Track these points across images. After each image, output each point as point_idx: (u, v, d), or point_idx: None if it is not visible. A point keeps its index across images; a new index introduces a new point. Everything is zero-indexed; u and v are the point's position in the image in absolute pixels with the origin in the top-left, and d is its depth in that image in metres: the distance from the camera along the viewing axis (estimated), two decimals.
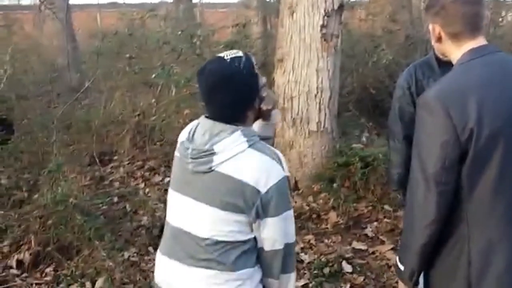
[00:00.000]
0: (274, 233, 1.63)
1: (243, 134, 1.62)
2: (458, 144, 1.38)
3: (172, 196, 1.79)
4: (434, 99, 1.43)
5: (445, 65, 2.66)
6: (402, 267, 1.58)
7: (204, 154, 1.61)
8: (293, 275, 1.76)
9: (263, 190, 1.58)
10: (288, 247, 1.68)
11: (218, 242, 1.62)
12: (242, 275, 1.64)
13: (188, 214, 1.68)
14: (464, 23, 1.49)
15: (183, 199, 1.71)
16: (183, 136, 1.74)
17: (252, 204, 1.58)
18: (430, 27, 1.57)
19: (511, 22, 7.75)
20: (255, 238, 1.66)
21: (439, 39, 1.56)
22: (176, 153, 1.76)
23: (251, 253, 1.67)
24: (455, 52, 1.54)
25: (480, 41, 1.51)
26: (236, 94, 1.63)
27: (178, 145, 1.75)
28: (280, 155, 1.68)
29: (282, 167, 1.64)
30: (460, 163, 1.40)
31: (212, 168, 1.60)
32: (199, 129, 1.67)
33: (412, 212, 1.50)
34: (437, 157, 1.40)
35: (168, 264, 1.73)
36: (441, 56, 2.60)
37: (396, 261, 1.62)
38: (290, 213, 1.65)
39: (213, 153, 1.60)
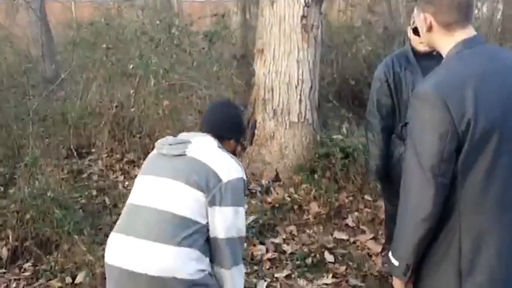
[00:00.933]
0: (225, 221, 1.83)
1: (216, 141, 1.97)
2: (456, 135, 1.37)
3: (140, 180, 1.97)
4: (432, 91, 1.41)
5: (421, 56, 2.70)
6: (396, 263, 1.54)
7: (180, 142, 1.92)
8: (242, 267, 1.96)
9: (224, 179, 1.84)
10: (238, 240, 1.89)
11: (178, 217, 1.77)
12: (189, 252, 1.77)
13: (156, 191, 1.86)
14: (458, 12, 1.49)
15: (152, 179, 1.90)
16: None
17: (212, 187, 1.82)
18: (421, 16, 1.55)
19: (487, 14, 7.87)
20: (207, 228, 1.84)
21: (430, 28, 1.54)
22: (152, 152, 2.04)
23: (200, 237, 1.81)
24: (447, 41, 1.52)
25: (471, 31, 1.51)
26: (231, 122, 2.08)
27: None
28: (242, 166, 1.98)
29: (244, 173, 1.94)
30: (457, 154, 1.39)
31: (185, 153, 1.88)
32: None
33: (407, 205, 1.47)
34: (434, 149, 1.39)
35: (126, 240, 1.80)
36: (423, 48, 2.64)
37: (389, 257, 1.59)
38: (242, 210, 1.90)
39: (188, 143, 1.91)
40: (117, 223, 1.92)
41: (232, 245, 1.86)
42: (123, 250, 1.80)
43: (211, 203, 1.82)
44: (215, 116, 2.09)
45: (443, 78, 1.44)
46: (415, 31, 2.63)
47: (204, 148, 1.91)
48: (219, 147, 1.96)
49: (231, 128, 2.07)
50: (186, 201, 1.81)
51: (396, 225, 1.54)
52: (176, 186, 1.83)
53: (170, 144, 1.92)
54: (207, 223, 1.84)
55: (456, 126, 1.36)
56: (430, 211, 1.41)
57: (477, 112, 1.36)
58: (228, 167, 1.88)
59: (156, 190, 1.86)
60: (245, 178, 1.95)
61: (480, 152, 1.39)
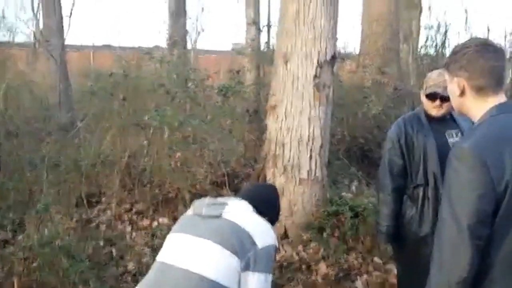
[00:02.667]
0: (257, 286, 1.81)
1: (252, 207, 2.00)
2: (494, 196, 1.37)
3: (173, 237, 1.96)
4: (471, 150, 1.42)
5: (433, 120, 2.75)
6: None
7: (218, 204, 1.96)
8: None
9: (259, 245, 1.84)
10: None
11: (209, 281, 1.74)
12: None
13: (189, 251, 1.84)
14: (490, 77, 1.53)
15: (186, 237, 1.89)
16: None
17: (246, 251, 1.81)
18: (455, 80, 1.58)
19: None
20: None
21: (462, 93, 1.57)
22: (187, 212, 2.07)
23: None
24: (479, 106, 1.55)
25: (503, 97, 1.55)
26: (272, 200, 2.22)
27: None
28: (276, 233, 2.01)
29: (277, 239, 1.99)
30: (493, 217, 1.39)
31: (222, 215, 1.90)
32: None
33: (441, 268, 1.44)
34: (473, 209, 1.38)
35: None
36: (435, 113, 2.69)
37: None
38: (270, 277, 1.89)
39: (225, 205, 1.94)
40: (145, 279, 1.87)
41: None
42: None
43: (245, 267, 1.81)
44: (258, 190, 2.28)
45: (481, 138, 1.45)
46: (428, 96, 2.69)
47: (240, 211, 1.94)
48: (254, 211, 1.98)
49: (271, 207, 2.15)
50: (220, 265, 1.79)
51: (428, 286, 1.50)
52: (211, 247, 1.81)
53: (207, 205, 1.95)
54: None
55: (495, 186, 1.37)
56: (466, 274, 1.39)
57: None
58: (263, 232, 1.90)
59: (189, 250, 1.84)
60: (277, 245, 1.97)
61: None
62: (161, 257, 1.91)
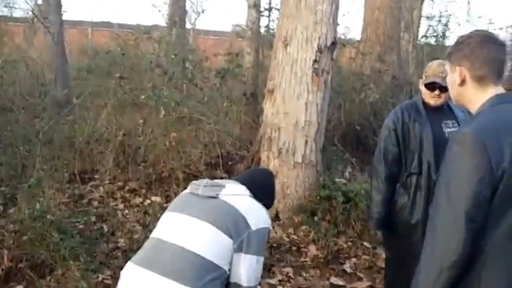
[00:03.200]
0: (249, 269, 1.85)
1: (248, 191, 2.01)
2: (491, 181, 1.39)
3: (169, 215, 1.98)
4: (473, 135, 1.43)
5: (430, 109, 2.74)
6: None
7: (215, 185, 1.98)
8: None
9: (253, 227, 1.87)
10: None
11: (203, 259, 1.77)
12: None
13: (185, 229, 1.87)
14: (492, 68, 1.55)
15: (182, 216, 1.92)
16: None
17: (240, 233, 1.84)
18: (457, 69, 1.60)
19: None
20: (227, 275, 1.84)
21: (463, 82, 1.59)
22: (184, 192, 2.09)
23: (220, 284, 1.81)
24: (478, 96, 1.57)
25: (501, 89, 1.57)
26: (268, 186, 2.23)
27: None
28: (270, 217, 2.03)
29: (270, 223, 2.00)
30: (490, 201, 1.41)
31: (218, 196, 1.92)
32: None
33: (434, 251, 1.46)
34: (471, 193, 1.40)
35: (146, 275, 1.77)
36: (434, 102, 2.68)
37: None
38: (262, 260, 1.93)
39: (223, 187, 1.96)
40: (138, 254, 1.89)
41: None
42: (140, 284, 1.77)
43: (238, 249, 1.84)
44: (255, 175, 2.28)
45: (482, 125, 1.47)
46: (427, 85, 2.68)
47: (237, 194, 1.96)
48: (251, 196, 2.00)
49: (267, 193, 2.16)
50: (213, 245, 1.81)
51: (417, 273, 1.51)
52: (205, 227, 1.83)
53: (205, 186, 1.97)
54: (229, 270, 1.85)
55: (493, 171, 1.39)
56: (458, 257, 1.41)
57: None
58: (257, 215, 1.92)
59: (183, 228, 1.86)
60: (271, 229, 2.00)
61: (510, 203, 1.41)
62: (156, 233, 1.93)
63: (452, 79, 1.64)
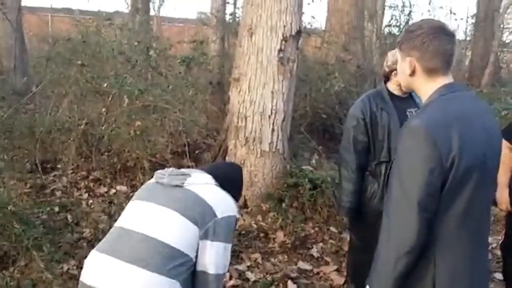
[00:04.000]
0: (216, 257, 1.84)
1: (214, 180, 2.02)
2: (442, 171, 1.43)
3: (133, 204, 1.97)
4: (422, 127, 1.46)
5: (395, 98, 2.80)
6: None
7: (180, 174, 1.97)
8: None
9: (219, 215, 1.87)
10: (222, 276, 1.92)
11: (167, 246, 1.76)
12: (171, 284, 1.74)
13: (149, 217, 1.86)
14: (442, 59, 1.56)
15: (147, 205, 1.91)
16: None
17: (206, 222, 1.83)
18: (407, 59, 1.60)
19: (456, 60, 8.25)
20: (194, 263, 1.84)
21: (413, 73, 1.61)
22: (149, 181, 2.08)
23: (186, 271, 1.81)
24: (428, 86, 1.59)
25: (450, 78, 1.60)
26: (236, 178, 2.23)
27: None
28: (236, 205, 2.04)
29: (238, 211, 2.01)
30: (441, 191, 1.45)
31: (184, 185, 1.92)
32: None
33: (390, 239, 1.50)
34: (423, 184, 1.43)
35: (109, 262, 1.76)
36: (403, 89, 2.72)
37: None
38: (229, 247, 1.92)
39: (188, 175, 1.96)
40: (101, 243, 1.87)
41: (218, 281, 1.88)
42: (104, 272, 1.75)
43: (204, 236, 1.83)
44: (223, 167, 2.35)
45: (432, 116, 1.49)
46: (390, 73, 2.73)
47: (202, 183, 1.96)
48: (216, 185, 2.00)
49: (234, 185, 2.15)
50: (179, 232, 1.80)
51: (375, 259, 1.56)
52: (170, 215, 1.82)
53: (170, 175, 1.96)
54: (195, 257, 1.84)
55: (443, 162, 1.42)
56: (413, 245, 1.45)
57: (461, 151, 1.43)
58: (223, 204, 1.93)
59: (148, 216, 1.85)
60: (237, 217, 1.99)
61: (460, 190, 1.46)
62: (120, 222, 1.91)
63: (402, 67, 1.65)
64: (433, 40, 1.56)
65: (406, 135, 1.51)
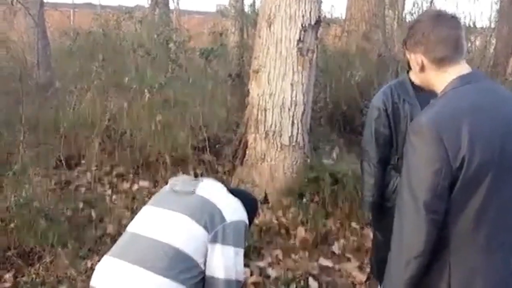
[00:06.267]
0: (225, 261, 1.83)
1: (225, 187, 2.07)
2: (450, 171, 1.37)
3: (146, 210, 2.01)
4: (427, 125, 1.41)
5: (419, 89, 2.70)
6: None
7: (193, 181, 2.03)
8: None
9: (228, 219, 1.88)
10: (235, 283, 1.88)
11: (175, 250, 1.77)
12: None
13: (158, 222, 1.88)
14: (446, 46, 1.50)
15: (157, 210, 1.94)
16: None
17: (215, 225, 1.84)
18: (412, 57, 1.57)
19: (480, 48, 8.02)
20: (203, 270, 1.83)
21: (422, 68, 1.55)
22: (164, 188, 2.12)
23: (194, 276, 1.80)
24: (441, 79, 1.52)
25: (464, 66, 1.52)
26: (250, 199, 2.24)
27: None
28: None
29: (247, 218, 2.00)
30: (450, 191, 1.39)
31: (195, 191, 1.95)
32: None
33: (401, 242, 1.46)
34: (429, 184, 1.38)
35: (118, 264, 1.79)
36: (421, 85, 2.65)
37: None
38: (241, 252, 1.90)
39: (200, 182, 2.01)
40: (112, 248, 1.91)
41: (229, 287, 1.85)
42: (110, 274, 1.78)
43: (213, 240, 1.83)
44: (241, 189, 2.55)
45: (438, 113, 1.43)
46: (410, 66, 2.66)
47: (213, 189, 1.99)
48: (227, 192, 2.03)
49: (247, 202, 2.10)
50: (186, 235, 1.81)
51: (388, 261, 1.53)
52: (179, 218, 1.84)
53: (183, 182, 2.01)
54: (205, 263, 1.83)
55: (451, 161, 1.37)
56: (423, 248, 1.41)
57: (472, 148, 1.36)
58: (234, 209, 1.94)
59: (157, 221, 1.88)
60: (247, 223, 1.99)
61: (473, 190, 1.39)
62: (130, 227, 1.95)
63: (413, 66, 1.60)
64: (433, 29, 1.51)
65: (411, 133, 1.46)
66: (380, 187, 2.78)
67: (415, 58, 1.56)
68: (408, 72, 2.73)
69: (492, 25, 8.11)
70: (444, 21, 1.52)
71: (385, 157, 2.75)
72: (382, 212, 2.82)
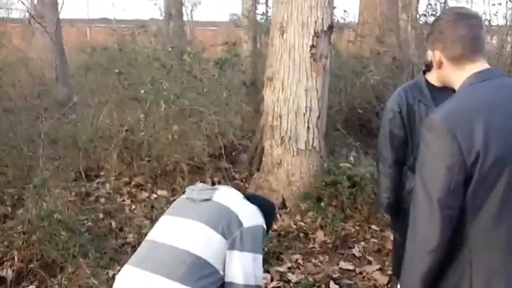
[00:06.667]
0: (244, 267, 1.82)
1: (242, 194, 2.09)
2: (464, 167, 1.36)
3: (163, 219, 2.02)
4: (441, 121, 1.40)
5: (435, 89, 2.67)
6: None
7: (209, 189, 2.03)
8: None
9: (245, 225, 1.87)
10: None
11: (194, 256, 1.77)
12: None
13: (177, 230, 1.89)
14: (463, 45, 1.50)
15: (175, 219, 1.95)
16: None
17: (233, 231, 1.84)
18: (431, 53, 1.58)
19: (496, 46, 7.93)
20: (222, 276, 1.83)
21: (440, 65, 1.56)
22: (181, 197, 2.13)
23: (213, 283, 1.80)
24: (458, 75, 1.53)
25: (483, 64, 1.51)
26: (269, 206, 2.25)
27: None
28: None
29: (266, 223, 2.02)
30: (465, 186, 1.37)
31: (212, 198, 1.96)
32: None
33: (415, 237, 1.45)
34: (442, 180, 1.37)
35: (138, 274, 1.79)
36: (439, 84, 2.62)
37: None
38: (260, 258, 1.90)
39: (216, 189, 2.02)
40: (134, 255, 1.92)
41: None
42: (132, 283, 1.79)
43: (231, 246, 1.83)
44: (258, 196, 2.47)
45: (452, 109, 1.43)
46: (429, 65, 2.62)
47: (230, 196, 2.00)
48: (244, 198, 2.03)
49: (263, 208, 2.09)
50: (204, 242, 1.81)
51: (404, 258, 1.52)
52: (196, 226, 1.85)
53: (200, 190, 2.02)
54: (223, 269, 1.83)
55: (464, 157, 1.35)
56: (437, 243, 1.39)
57: (487, 144, 1.34)
58: (250, 214, 1.94)
59: (175, 229, 1.89)
60: (265, 227, 1.99)
61: (489, 186, 1.37)
62: (150, 236, 1.96)
63: (433, 62, 1.61)
64: (451, 27, 1.51)
65: (424, 129, 1.45)
66: (396, 188, 2.76)
67: (434, 55, 1.57)
68: (424, 72, 2.71)
69: (508, 24, 8.02)
70: (464, 19, 1.51)
71: (401, 158, 2.73)
72: (399, 213, 2.80)
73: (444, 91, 2.63)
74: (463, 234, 1.41)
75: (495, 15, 8.21)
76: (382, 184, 2.80)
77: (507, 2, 8.54)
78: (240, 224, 1.86)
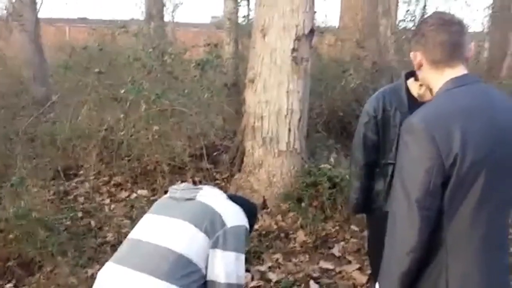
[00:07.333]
0: (226, 266, 1.84)
1: (225, 194, 2.09)
2: (442, 170, 1.39)
3: (145, 217, 2.01)
4: (420, 124, 1.43)
5: (414, 98, 2.66)
6: None
7: (193, 188, 2.04)
8: None
9: (228, 224, 1.89)
10: (235, 287, 1.88)
11: (176, 254, 1.77)
12: None
13: (159, 228, 1.89)
14: (443, 50, 1.52)
15: (158, 217, 1.95)
16: None
17: (216, 230, 1.85)
18: (412, 54, 1.61)
19: (473, 52, 8.12)
20: (204, 274, 1.84)
21: (419, 66, 1.59)
22: (164, 196, 2.14)
23: (196, 281, 1.80)
24: (436, 79, 1.56)
25: (462, 70, 1.54)
26: (251, 207, 2.23)
27: None
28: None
29: (248, 223, 2.02)
30: (443, 189, 1.41)
31: (195, 197, 1.97)
32: None
33: (393, 238, 1.48)
34: (421, 182, 1.40)
35: (120, 270, 1.78)
36: (419, 97, 2.61)
37: None
38: (243, 257, 1.91)
39: (200, 189, 2.03)
40: (114, 254, 1.91)
41: None
42: (114, 280, 1.78)
43: (214, 245, 1.84)
44: (241, 197, 2.41)
45: (431, 112, 1.46)
46: (408, 74, 2.63)
47: (213, 195, 2.01)
48: (227, 198, 2.05)
49: (246, 208, 2.10)
50: (187, 240, 1.82)
51: (383, 258, 1.54)
52: (179, 224, 1.85)
53: (183, 189, 2.02)
54: (206, 268, 1.84)
55: (443, 160, 1.38)
56: (415, 244, 1.42)
57: (464, 147, 1.38)
58: (234, 214, 1.95)
59: (159, 227, 1.88)
60: (247, 227, 2.00)
61: (467, 188, 1.41)
62: (132, 234, 1.95)
63: (413, 63, 1.63)
64: (433, 31, 1.54)
65: (404, 132, 1.48)
66: (365, 189, 2.79)
67: (415, 56, 1.60)
68: (407, 78, 2.66)
69: (485, 30, 8.23)
70: (447, 25, 1.53)
71: (372, 161, 2.75)
72: (371, 214, 2.86)
73: (421, 102, 2.67)
74: (440, 236, 1.44)
75: (473, 22, 8.40)
76: (352, 185, 2.84)
77: (484, 9, 8.75)
78: (223, 223, 1.87)
